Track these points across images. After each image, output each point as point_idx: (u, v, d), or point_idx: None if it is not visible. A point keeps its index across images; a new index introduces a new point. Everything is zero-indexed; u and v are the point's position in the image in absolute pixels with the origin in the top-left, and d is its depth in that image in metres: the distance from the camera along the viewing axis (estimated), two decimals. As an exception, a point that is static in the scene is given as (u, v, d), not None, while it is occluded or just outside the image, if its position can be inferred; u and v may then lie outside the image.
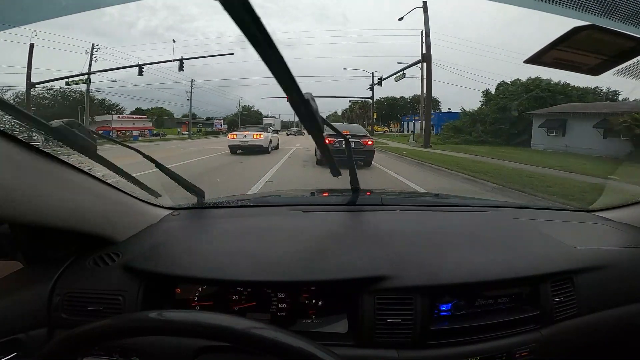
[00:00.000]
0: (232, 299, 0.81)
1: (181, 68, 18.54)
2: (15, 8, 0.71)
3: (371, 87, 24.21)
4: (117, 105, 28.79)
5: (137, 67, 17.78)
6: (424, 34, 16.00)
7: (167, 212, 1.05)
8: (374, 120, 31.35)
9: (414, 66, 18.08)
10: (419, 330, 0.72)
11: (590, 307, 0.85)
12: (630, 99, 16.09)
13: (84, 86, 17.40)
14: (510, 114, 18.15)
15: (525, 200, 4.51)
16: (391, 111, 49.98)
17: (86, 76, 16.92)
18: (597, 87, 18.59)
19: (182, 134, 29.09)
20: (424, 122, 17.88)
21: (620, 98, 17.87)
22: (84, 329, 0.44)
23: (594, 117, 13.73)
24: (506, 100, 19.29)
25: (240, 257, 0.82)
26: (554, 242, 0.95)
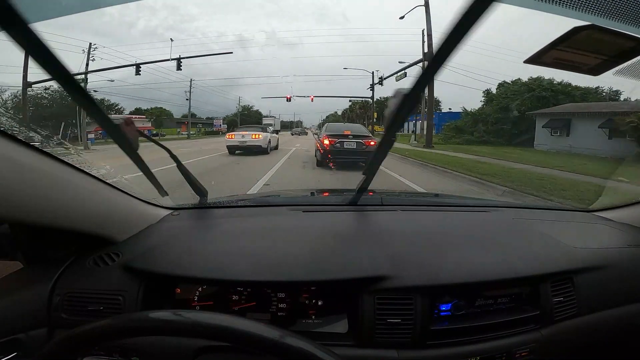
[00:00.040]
0: (232, 299, 0.81)
1: (179, 67, 18.36)
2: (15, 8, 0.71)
3: (372, 87, 24.18)
4: (116, 105, 28.79)
5: (135, 67, 17.63)
6: (425, 33, 15.84)
7: (167, 212, 1.05)
8: (374, 120, 31.32)
9: (414, 65, 18.05)
10: (419, 330, 0.72)
11: (590, 307, 0.85)
12: (632, 99, 16.07)
13: (84, 86, 17.35)
14: (513, 113, 18.04)
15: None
16: (391, 111, 49.88)
17: (83, 76, 16.83)
18: (598, 87, 18.55)
19: (182, 134, 29.09)
20: (425, 122, 17.82)
21: (621, 98, 17.84)
22: (84, 329, 0.44)
23: (598, 117, 13.57)
24: (508, 100, 19.18)
25: (240, 257, 0.82)
26: (554, 242, 0.95)
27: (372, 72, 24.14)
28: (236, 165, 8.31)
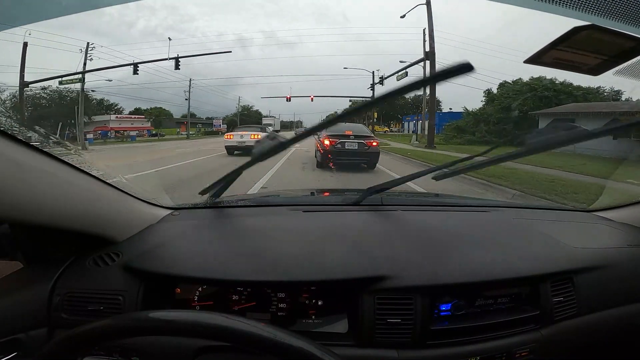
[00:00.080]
0: (232, 299, 0.81)
1: (177, 66, 18.19)
2: (16, 8, 0.71)
3: (372, 87, 24.13)
4: (116, 105, 28.73)
5: (132, 66, 17.45)
6: (427, 32, 15.67)
7: (167, 212, 1.05)
8: (374, 120, 31.29)
9: (415, 65, 18.00)
10: (419, 330, 0.72)
11: (590, 307, 0.85)
12: (633, 99, 16.01)
13: (78, 86, 17.26)
14: (515, 113, 17.90)
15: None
16: (391, 111, 49.94)
17: (80, 75, 16.72)
18: (599, 86, 18.44)
19: (181, 134, 29.01)
20: (426, 122, 17.72)
21: (622, 98, 17.77)
22: (84, 329, 0.44)
23: (603, 117, 13.28)
24: (510, 99, 19.01)
25: (240, 257, 0.82)
26: (554, 242, 0.95)
27: (373, 72, 24.05)
28: (233, 167, 8.14)
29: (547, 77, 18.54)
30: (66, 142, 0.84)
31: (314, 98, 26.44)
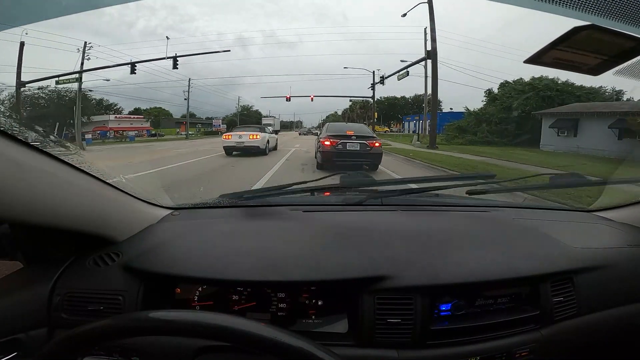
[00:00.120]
0: (232, 299, 0.81)
1: (175, 66, 17.86)
2: (16, 8, 0.71)
3: (372, 86, 24.07)
4: (115, 105, 28.67)
5: (130, 66, 17.22)
6: (428, 30, 15.46)
7: (167, 212, 1.05)
8: (375, 120, 31.27)
9: (415, 65, 17.90)
10: (419, 330, 0.72)
11: (590, 307, 0.85)
12: (635, 99, 15.88)
13: (76, 85, 17.14)
14: (517, 113, 17.68)
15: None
16: (392, 111, 49.96)
17: (77, 75, 16.56)
18: (601, 86, 18.26)
19: (181, 134, 28.95)
20: (428, 122, 17.54)
21: (624, 98, 17.64)
22: (84, 329, 0.44)
23: (608, 117, 13.15)
24: (512, 99, 18.80)
25: (240, 257, 0.82)
26: (554, 242, 0.95)
27: (373, 72, 24.00)
28: (230, 168, 7.83)
29: (549, 77, 18.33)
30: (64, 142, 0.84)
31: (314, 98, 26.44)
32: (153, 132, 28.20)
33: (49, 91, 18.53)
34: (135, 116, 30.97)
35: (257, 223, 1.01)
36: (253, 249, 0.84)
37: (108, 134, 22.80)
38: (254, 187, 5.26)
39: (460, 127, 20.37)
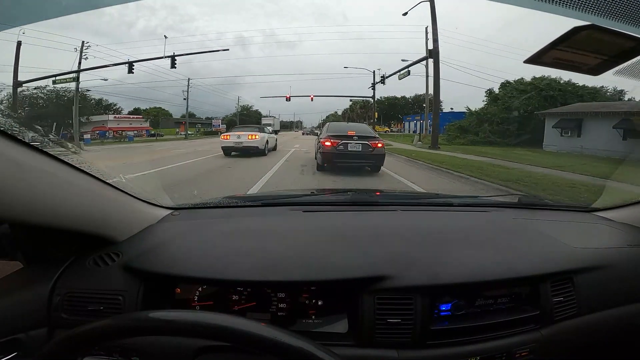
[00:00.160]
0: (232, 299, 0.81)
1: (173, 65, 17.65)
2: (16, 8, 0.71)
3: (373, 86, 24.01)
4: (115, 105, 28.58)
5: (127, 65, 16.93)
6: (430, 29, 15.28)
7: (167, 212, 1.05)
8: (375, 120, 31.20)
9: (415, 64, 17.82)
10: (419, 330, 0.72)
11: (590, 307, 0.85)
12: (636, 99, 15.77)
13: (74, 85, 17.00)
14: (519, 112, 17.53)
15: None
16: (392, 111, 49.96)
17: (74, 74, 16.40)
18: (602, 86, 18.13)
19: (180, 134, 28.90)
20: (429, 121, 17.38)
21: (625, 98, 17.54)
22: (84, 329, 0.44)
23: (612, 117, 12.95)
24: (514, 99, 18.62)
25: (240, 257, 0.82)
26: (554, 242, 0.95)
27: (373, 71, 23.94)
28: (227, 170, 7.49)
29: (551, 77, 18.15)
30: (63, 142, 0.84)
31: (314, 98, 26.43)
32: (152, 132, 28.12)
33: (48, 91, 18.45)
34: (135, 116, 30.89)
35: (257, 223, 1.01)
36: (253, 249, 0.84)
37: (107, 134, 22.73)
38: (251, 190, 4.97)
39: (461, 127, 20.22)
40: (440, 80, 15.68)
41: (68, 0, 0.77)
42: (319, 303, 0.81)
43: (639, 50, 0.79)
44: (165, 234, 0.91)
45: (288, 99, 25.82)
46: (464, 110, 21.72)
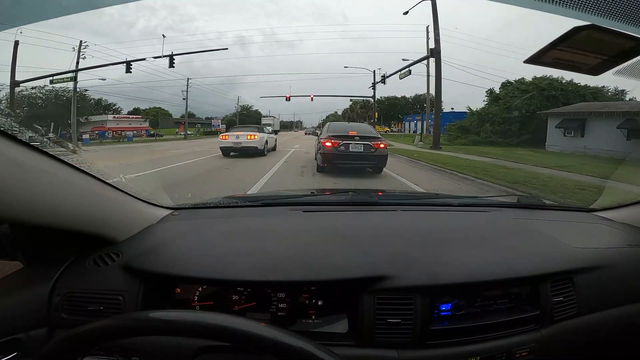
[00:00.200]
0: (232, 299, 0.81)
1: (171, 64, 17.49)
2: (16, 8, 0.71)
3: (373, 86, 23.95)
4: (114, 105, 28.51)
5: (125, 64, 16.74)
6: (432, 28, 15.22)
7: (167, 212, 1.05)
8: (375, 120, 31.16)
9: (416, 64, 17.75)
10: (419, 330, 0.72)
11: (590, 307, 0.85)
12: (637, 98, 15.67)
13: (72, 85, 16.92)
14: (521, 112, 17.42)
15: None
16: (392, 111, 49.95)
17: (72, 74, 16.30)
18: (604, 86, 17.96)
19: (180, 134, 28.82)
20: (430, 121, 17.26)
21: (627, 97, 17.45)
22: (84, 329, 0.44)
23: (616, 117, 12.84)
24: (516, 99, 18.46)
25: (240, 257, 0.82)
26: (554, 242, 0.95)
27: (374, 71, 23.88)
28: (224, 171, 7.31)
29: (553, 76, 18.00)
30: (62, 142, 0.84)
31: (314, 98, 26.40)
32: (152, 132, 28.06)
33: (47, 91, 18.38)
34: (134, 116, 30.80)
35: (257, 223, 1.01)
36: (253, 249, 0.84)
37: (106, 134, 22.69)
38: (249, 192, 4.77)
39: (462, 127, 20.10)
40: (442, 79, 15.57)
41: (68, 0, 0.77)
42: (319, 303, 0.81)
43: (639, 50, 0.79)
44: (165, 234, 0.91)
45: (288, 99, 25.80)
46: (465, 110, 21.63)
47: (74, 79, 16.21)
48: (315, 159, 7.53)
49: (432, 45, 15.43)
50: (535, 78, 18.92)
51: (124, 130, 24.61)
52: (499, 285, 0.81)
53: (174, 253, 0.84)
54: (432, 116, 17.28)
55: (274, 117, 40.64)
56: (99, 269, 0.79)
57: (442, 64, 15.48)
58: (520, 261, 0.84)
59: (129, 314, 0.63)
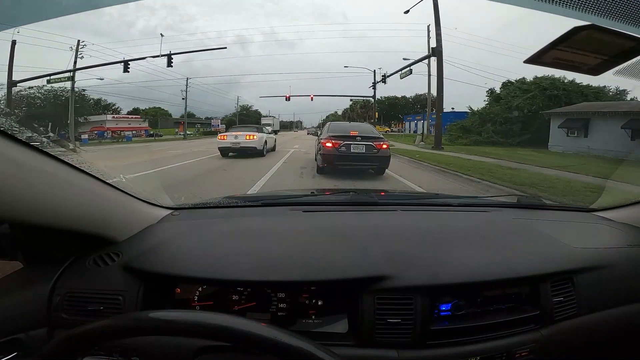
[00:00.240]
0: (232, 299, 0.81)
1: (169, 64, 17.30)
2: (16, 8, 0.71)
3: (373, 86, 23.89)
4: (113, 105, 28.46)
5: (123, 64, 16.54)
6: (434, 26, 15.00)
7: (167, 212, 1.05)
8: (376, 120, 31.13)
9: (417, 63, 17.67)
10: (419, 330, 0.72)
11: (590, 307, 0.85)
12: (638, 98, 15.60)
13: (70, 84, 16.84)
14: (524, 113, 17.29)
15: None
16: (392, 111, 49.96)
17: (70, 74, 16.19)
18: (605, 86, 17.87)
19: (179, 134, 28.77)
20: (431, 121, 17.14)
21: (628, 97, 17.39)
22: (84, 329, 0.44)
23: (620, 117, 12.63)
24: (518, 99, 18.26)
25: (240, 257, 0.82)
26: (554, 242, 0.95)
27: (374, 71, 23.83)
28: (222, 172, 7.07)
29: (555, 76, 17.79)
30: (61, 142, 0.84)
31: (314, 97, 26.39)
32: (151, 132, 28.01)
33: (45, 91, 18.30)
34: (133, 116, 30.73)
35: (257, 223, 1.01)
36: (253, 249, 0.84)
37: (105, 134, 22.65)
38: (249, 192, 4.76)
39: (464, 127, 19.91)
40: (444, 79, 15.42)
41: (68, 0, 0.77)
42: (319, 303, 0.81)
43: (639, 50, 0.79)
44: (165, 234, 0.91)
45: (288, 99, 25.79)
46: (466, 109, 21.42)
47: (72, 79, 16.10)
48: (315, 159, 7.32)
49: (433, 44, 15.34)
50: (536, 78, 18.80)
51: (123, 130, 24.54)
52: (499, 285, 0.81)
53: (174, 253, 0.84)
54: (433, 116, 17.19)
55: (274, 117, 40.62)
56: (99, 269, 0.79)
57: (444, 63, 15.39)
58: (520, 261, 0.84)
59: (129, 314, 0.64)
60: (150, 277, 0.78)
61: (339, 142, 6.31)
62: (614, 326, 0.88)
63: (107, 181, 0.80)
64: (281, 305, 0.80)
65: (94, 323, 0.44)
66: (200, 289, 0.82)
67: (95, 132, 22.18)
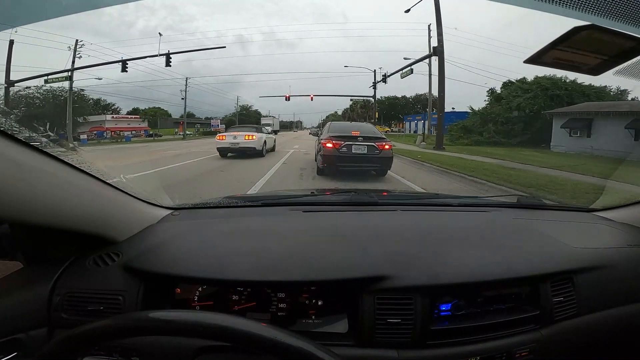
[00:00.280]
0: (232, 299, 0.81)
1: (168, 63, 17.19)
2: (16, 8, 0.71)
3: (374, 85, 23.84)
4: (113, 105, 28.43)
5: (121, 64, 16.41)
6: (435, 25, 14.87)
7: (167, 212, 1.05)
8: (376, 120, 31.11)
9: (417, 63, 17.62)
10: (419, 330, 0.72)
11: (590, 307, 0.85)
12: (639, 98, 15.54)
13: (67, 84, 16.77)
14: (525, 113, 17.18)
15: None
16: (392, 111, 49.95)
17: (67, 73, 16.06)
18: (606, 86, 17.70)
19: (179, 134, 28.75)
20: (432, 121, 17.06)
21: (629, 97, 17.32)
22: (84, 329, 0.44)
23: (623, 117, 12.52)
24: (519, 99, 18.13)
25: (240, 257, 0.82)
26: (554, 242, 0.95)
27: (374, 70, 23.78)
28: (220, 174, 6.91)
29: (557, 76, 17.65)
30: (60, 142, 0.84)
31: (314, 97, 26.36)
32: (151, 132, 27.96)
33: (44, 91, 18.24)
34: (133, 116, 30.68)
35: (257, 223, 1.01)
36: (253, 249, 0.84)
37: (105, 134, 22.59)
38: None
39: (465, 127, 19.80)
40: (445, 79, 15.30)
41: (68, 0, 0.77)
42: (319, 303, 0.81)
43: (639, 50, 0.79)
44: (165, 234, 0.91)
45: (287, 99, 25.77)
46: (467, 109, 21.29)
47: (70, 79, 16.03)
48: (316, 160, 7.15)
49: (434, 43, 15.26)
50: (537, 77, 18.68)
51: (122, 131, 24.48)
52: (499, 285, 0.81)
53: (174, 253, 0.84)
54: (434, 116, 17.10)
55: (274, 117, 40.61)
56: (99, 269, 0.79)
57: (445, 62, 15.31)
58: (520, 261, 0.84)
59: (129, 314, 0.64)
60: (150, 277, 0.78)
61: (340, 142, 6.14)
62: (614, 326, 0.88)
63: (107, 181, 0.80)
64: (281, 305, 0.80)
65: (94, 323, 0.44)
66: (200, 289, 0.82)
67: (95, 132, 22.16)
